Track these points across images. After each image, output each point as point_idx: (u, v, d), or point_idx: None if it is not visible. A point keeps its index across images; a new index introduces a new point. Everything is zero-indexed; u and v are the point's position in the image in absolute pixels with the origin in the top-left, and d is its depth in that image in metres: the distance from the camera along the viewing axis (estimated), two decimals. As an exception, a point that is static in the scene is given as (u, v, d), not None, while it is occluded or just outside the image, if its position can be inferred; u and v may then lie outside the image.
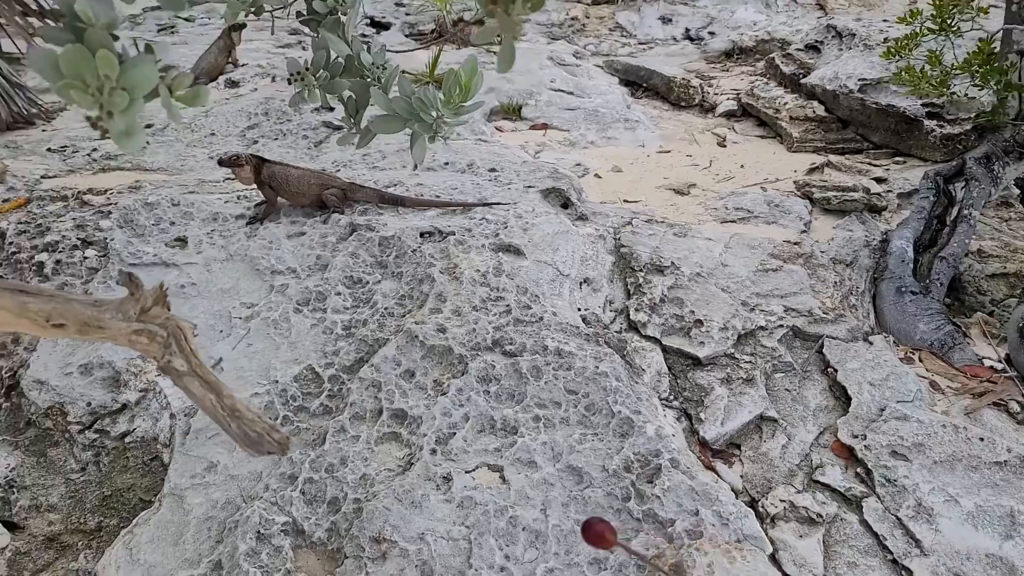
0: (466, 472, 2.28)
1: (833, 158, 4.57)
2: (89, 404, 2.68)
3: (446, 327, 2.77)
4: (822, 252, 3.55)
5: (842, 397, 2.94)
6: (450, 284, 2.99)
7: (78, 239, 3.23)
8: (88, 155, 4.19)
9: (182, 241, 3.31)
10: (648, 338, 3.08)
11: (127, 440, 2.62)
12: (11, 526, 2.36)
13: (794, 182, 4.19)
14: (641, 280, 3.31)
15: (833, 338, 3.14)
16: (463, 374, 2.61)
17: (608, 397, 2.46)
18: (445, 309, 2.88)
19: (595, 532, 0.93)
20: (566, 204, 3.74)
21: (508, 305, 2.89)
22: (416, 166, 4.46)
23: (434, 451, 2.35)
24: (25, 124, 4.61)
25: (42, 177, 3.81)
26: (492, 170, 4.03)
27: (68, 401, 2.68)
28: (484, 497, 2.18)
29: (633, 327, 3.14)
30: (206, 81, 5.29)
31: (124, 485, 2.51)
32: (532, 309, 2.87)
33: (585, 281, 3.21)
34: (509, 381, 2.58)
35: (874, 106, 4.71)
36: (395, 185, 3.76)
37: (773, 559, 2.49)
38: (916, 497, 2.52)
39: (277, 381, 2.67)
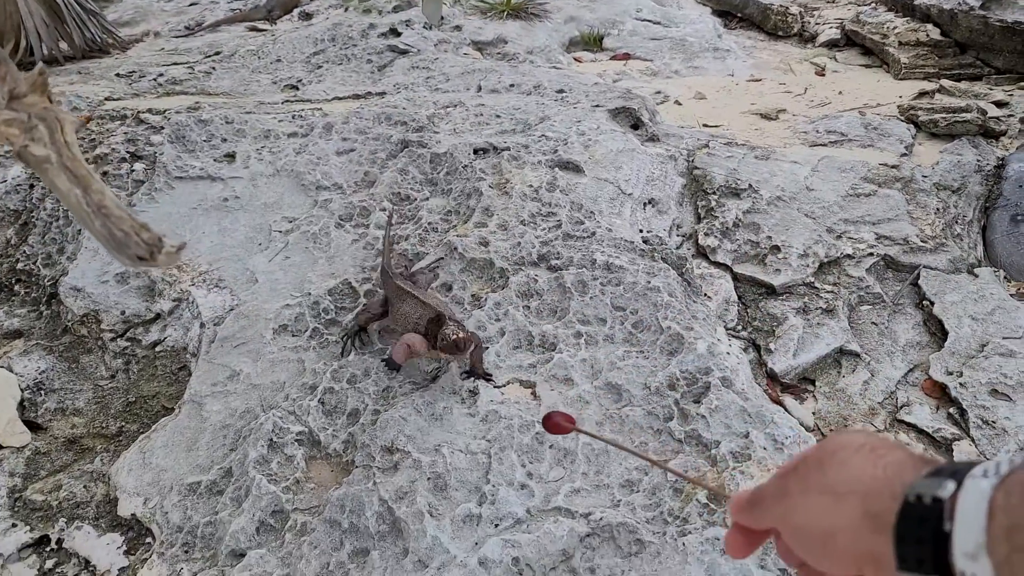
0: (495, 387, 2.07)
1: (946, 83, 4.08)
2: (123, 312, 2.60)
3: (489, 240, 2.56)
4: (924, 177, 3.15)
5: (938, 333, 2.59)
6: (498, 199, 2.77)
7: (128, 152, 3.17)
8: (154, 79, 4.15)
9: (230, 157, 3.21)
10: (718, 264, 2.79)
11: (157, 349, 2.53)
12: (35, 427, 2.31)
13: (898, 106, 3.75)
14: (713, 203, 3.01)
15: (931, 268, 2.77)
16: (503, 288, 2.40)
17: (658, 313, 2.20)
18: (491, 223, 2.66)
19: (553, 422, 0.94)
20: (636, 125, 3.45)
21: (559, 220, 2.65)
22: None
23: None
24: (99, 53, 4.63)
25: (106, 99, 3.79)
26: (560, 91, 3.76)
27: (103, 309, 2.61)
28: (510, 411, 1.97)
29: (702, 252, 2.85)
30: (280, 13, 5.20)
31: (149, 392, 2.42)
32: (585, 224, 2.62)
33: (650, 202, 2.93)
34: (552, 296, 2.35)
35: (999, 24, 4.17)
36: (455, 106, 3.55)
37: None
38: (1018, 440, 2.17)
39: (310, 294, 2.52)
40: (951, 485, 0.53)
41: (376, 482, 1.83)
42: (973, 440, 2.23)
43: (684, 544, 1.60)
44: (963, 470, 0.54)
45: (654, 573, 1.58)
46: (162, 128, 3.32)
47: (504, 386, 2.09)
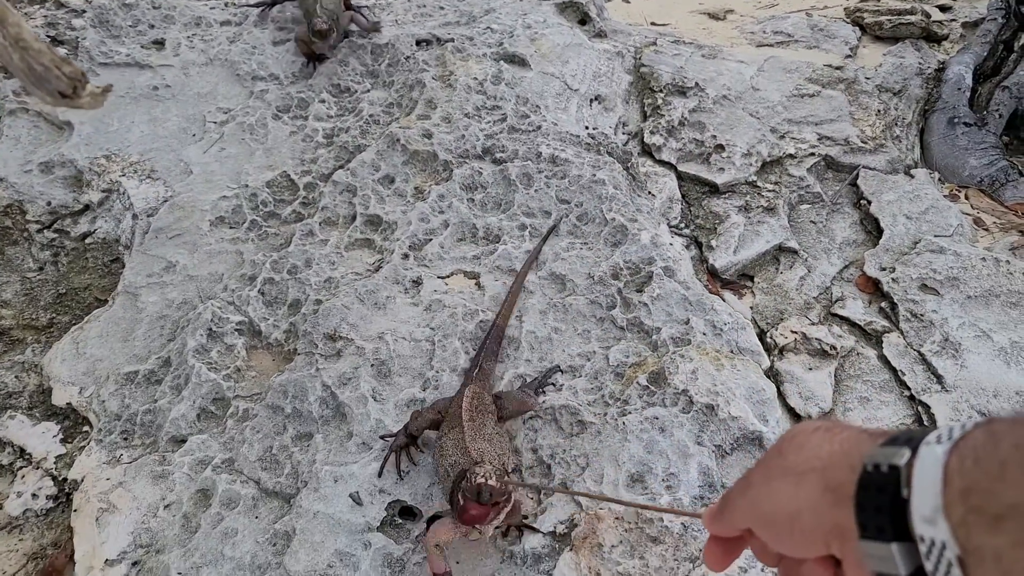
0: (439, 277, 2.06)
1: (893, -12, 4.08)
2: (49, 203, 2.50)
3: (432, 132, 2.50)
4: (867, 79, 3.17)
5: (873, 231, 2.65)
6: (442, 91, 2.70)
7: (48, 36, 2.98)
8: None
9: (159, 44, 3.05)
10: (662, 163, 2.79)
11: (87, 241, 2.45)
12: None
13: (844, 8, 3.74)
14: (660, 101, 2.98)
15: (870, 168, 2.82)
16: (447, 181, 2.36)
17: (603, 205, 2.20)
18: (434, 115, 2.60)
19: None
20: (584, 20, 3.37)
21: (504, 114, 2.60)
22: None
23: (406, 256, 2.13)
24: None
25: (23, -18, 3.54)
26: (504, -17, 3.65)
27: (27, 199, 2.50)
28: (454, 301, 1.96)
29: (647, 151, 2.84)
30: None
31: (81, 285, 2.34)
32: (530, 118, 2.58)
33: (596, 99, 2.89)
34: (496, 189, 2.32)
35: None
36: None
37: (779, 394, 2.27)
38: (943, 332, 2.26)
39: (247, 186, 2.45)
40: (906, 452, 0.54)
41: (319, 368, 1.82)
42: (902, 332, 2.32)
43: (624, 423, 1.64)
44: (918, 437, 0.54)
45: (595, 451, 1.62)
46: (84, 12, 3.13)
47: (448, 277, 2.08)
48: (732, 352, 1.81)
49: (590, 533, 1.49)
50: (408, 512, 1.62)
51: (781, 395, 2.26)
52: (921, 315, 2.31)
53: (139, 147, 2.63)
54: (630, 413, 1.65)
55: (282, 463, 1.70)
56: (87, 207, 2.50)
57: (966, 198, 2.88)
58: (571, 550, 1.48)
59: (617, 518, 1.50)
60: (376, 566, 1.50)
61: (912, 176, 2.81)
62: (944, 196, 2.78)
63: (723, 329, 1.85)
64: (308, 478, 1.64)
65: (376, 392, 1.77)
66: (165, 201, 2.44)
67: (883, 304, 2.40)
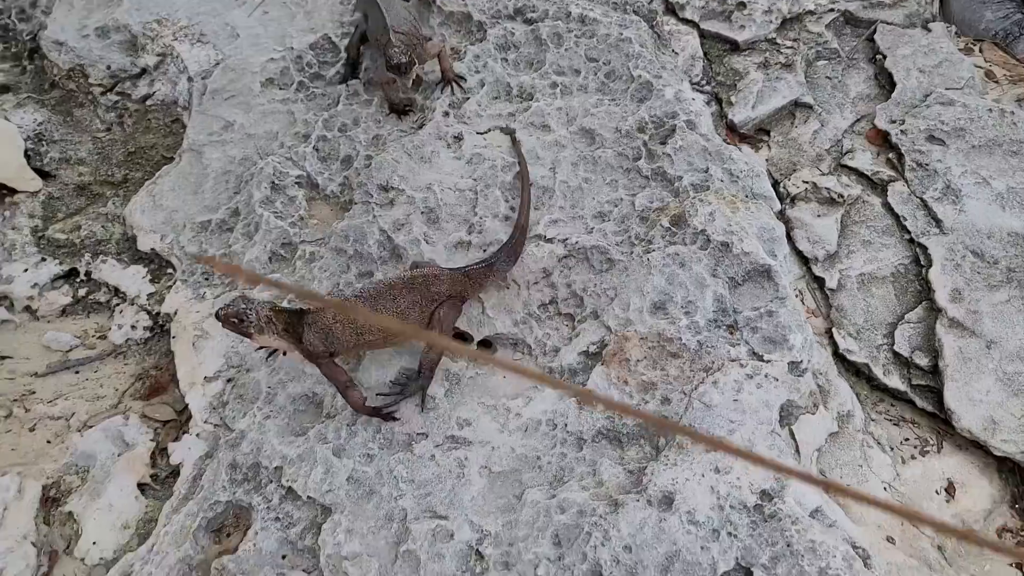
0: (478, 133, 2.25)
1: None
2: (109, 67, 2.66)
3: (467, -7, 2.62)
4: (891, -68, 3.19)
5: (887, 86, 2.78)
6: (474, -49, 2.78)
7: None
8: None
9: (195, -95, 3.11)
10: (685, 21, 2.89)
11: (148, 103, 2.63)
12: (44, 175, 2.44)
13: None
14: (684, -41, 3.04)
15: (888, 23, 2.91)
16: (481, 41, 2.50)
17: (629, 63, 2.35)
18: (467, -24, 2.70)
19: None
20: None
21: (534, -26, 2.70)
22: None
23: (447, 114, 2.31)
24: None
25: None
26: None
27: (88, 63, 2.66)
28: (493, 155, 2.16)
29: (671, 9, 2.93)
30: None
31: (147, 143, 2.55)
32: (560, -22, 2.68)
33: (622, -43, 2.96)
34: (528, 48, 2.46)
35: None
36: None
37: (788, 238, 2.47)
38: (946, 180, 2.43)
39: (292, 48, 2.60)
40: None
41: (375, 215, 2.05)
42: (906, 181, 2.50)
43: (648, 260, 1.86)
44: None
45: (622, 284, 1.85)
46: None
47: (486, 132, 2.26)
48: (747, 197, 2.01)
49: (618, 351, 1.75)
50: (462, 336, 1.88)
51: (791, 239, 2.49)
52: (926, 164, 2.48)
53: (186, 11, 2.76)
54: (654, 251, 1.88)
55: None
56: (144, 71, 2.67)
57: (980, 51, 2.97)
58: (602, 364, 1.74)
59: (642, 338, 1.75)
60: (437, 378, 1.77)
61: (929, 30, 2.90)
62: (958, 50, 2.88)
63: (739, 176, 2.05)
64: (373, 308, 1.89)
65: (427, 236, 2.00)
66: (217, 64, 2.60)
67: (891, 155, 2.57)
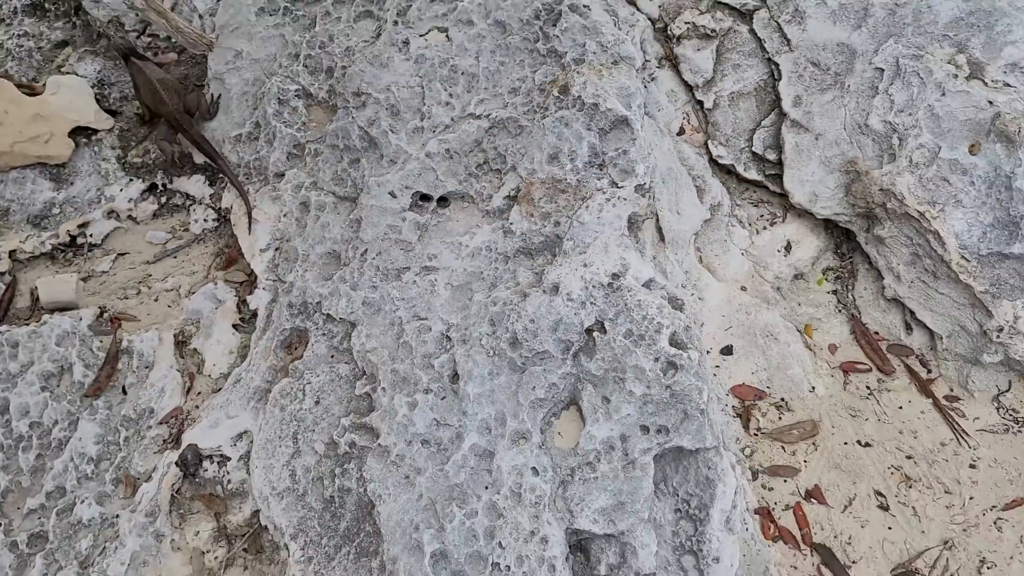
0: (420, 36, 2.96)
1: None
2: (137, 14, 3.40)
3: (399, -92, 3.22)
4: None
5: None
6: None
7: None
8: None
9: None
10: None
11: (174, 41, 3.38)
12: (112, 113, 3.27)
13: None
14: None
15: None
16: (416, -49, 3.14)
17: (529, -43, 2.98)
18: None
19: None
20: None
21: None
22: None
23: (396, 22, 3.01)
24: None
25: None
26: None
27: (121, 14, 3.40)
28: (432, 53, 2.89)
29: None
30: None
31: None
32: None
33: None
34: (453, -48, 3.10)
35: None
36: None
37: (676, 72, 3.19)
38: (795, 4, 3.06)
39: (273, -24, 3.28)
40: None
41: (353, 117, 2.84)
42: (768, 8, 3.13)
43: (544, 124, 2.64)
44: None
45: (528, 143, 2.64)
46: None
47: (426, 33, 2.97)
48: (613, 63, 2.73)
49: (527, 192, 2.57)
50: (425, 197, 2.73)
51: (677, 71, 3.19)
52: (783, -6, 3.10)
53: (184, -44, 3.43)
54: (548, 116, 2.65)
55: (345, 179, 2.80)
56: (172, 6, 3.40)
57: None
58: (518, 203, 2.58)
59: (542, 182, 2.57)
60: (411, 229, 2.64)
61: None
62: None
63: (608, 47, 2.75)
64: (362, 185, 2.74)
65: (392, 127, 2.79)
66: (218, 1, 3.31)
67: (758, -11, 3.19)
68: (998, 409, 2.65)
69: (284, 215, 2.84)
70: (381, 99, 2.84)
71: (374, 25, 3.07)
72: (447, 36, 2.94)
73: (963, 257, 2.64)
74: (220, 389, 2.64)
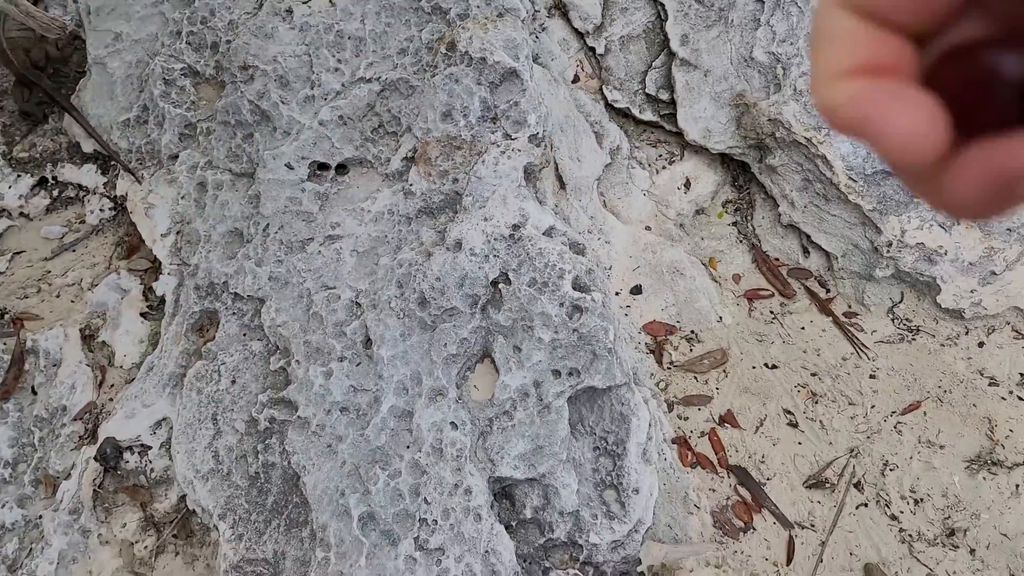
0: (303, 3, 2.91)
1: None
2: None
3: None
4: None
5: None
6: None
7: None
8: None
9: None
10: None
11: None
12: (-8, 110, 3.16)
13: None
14: None
15: None
16: (291, -85, 3.07)
17: (406, -87, 2.94)
18: None
19: None
20: None
21: None
22: None
23: (277, -10, 2.96)
24: None
25: None
26: None
27: (-11, 5, 3.25)
28: (317, 20, 2.84)
29: None
30: None
31: (62, 62, 3.22)
32: None
33: None
34: (329, -86, 3.04)
35: None
36: None
37: (566, 21, 3.20)
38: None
39: (146, -48, 3.17)
40: None
41: (242, 91, 2.79)
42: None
43: (435, 82, 2.63)
44: None
45: (421, 103, 2.64)
46: None
47: (310, 1, 2.92)
48: (498, 16, 2.73)
49: (424, 152, 2.58)
50: (323, 166, 2.71)
51: (567, 19, 3.20)
52: (661, -66, 3.12)
53: (50, -62, 3.30)
54: (438, 74, 2.64)
55: (240, 155, 2.76)
56: (36, 1, 3.27)
57: None
58: (415, 164, 2.58)
59: (438, 140, 2.57)
60: (312, 200, 2.62)
61: None
62: None
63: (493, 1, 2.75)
64: (258, 160, 2.70)
65: (283, 98, 2.76)
66: (91, -18, 3.20)
67: (637, -70, 3.20)
68: (893, 320, 2.78)
69: (182, 197, 2.79)
70: (269, 71, 2.79)
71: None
72: (331, 1, 2.90)
73: (850, 178, 2.74)
74: (133, 379, 2.60)
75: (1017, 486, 2.43)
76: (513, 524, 2.31)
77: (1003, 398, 2.58)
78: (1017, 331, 2.68)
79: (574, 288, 2.33)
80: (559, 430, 2.27)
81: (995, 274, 2.68)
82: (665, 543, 2.30)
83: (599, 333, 2.29)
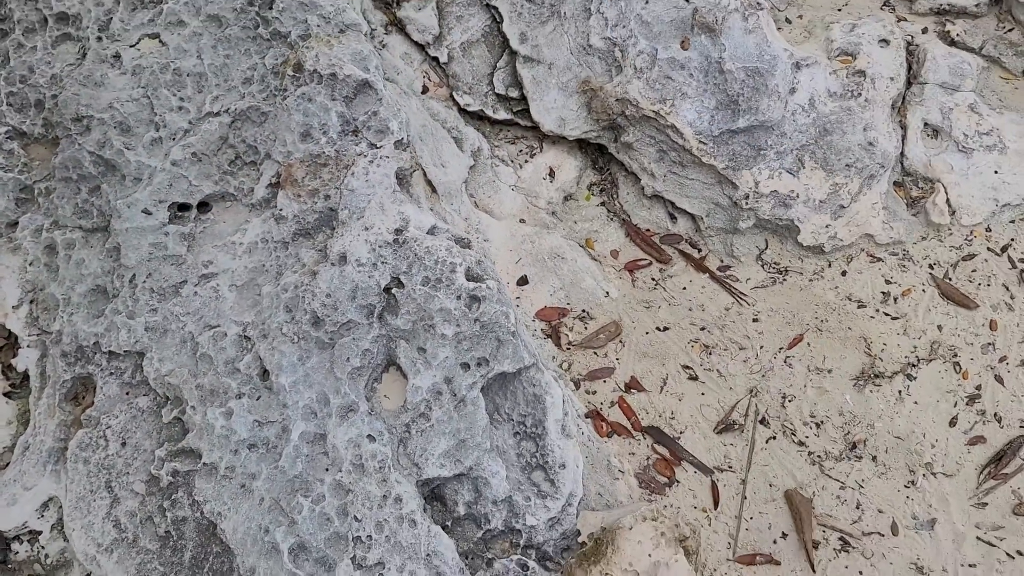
0: (130, 46, 2.80)
1: None
2: None
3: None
4: None
5: None
6: None
7: None
8: None
9: None
10: None
11: None
12: None
13: None
14: None
15: None
16: (102, -38, 2.95)
17: (226, -54, 2.89)
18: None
19: None
20: None
21: None
22: None
23: (100, 38, 2.82)
24: None
25: None
26: None
27: None
28: (150, 61, 2.74)
29: None
30: None
31: None
32: None
33: None
34: (143, -44, 2.94)
35: None
36: None
37: (405, 36, 3.22)
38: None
39: (-55, 19, 2.95)
40: None
41: (80, 143, 2.63)
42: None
43: (287, 104, 2.58)
44: None
45: (277, 128, 2.58)
46: None
47: (137, 43, 2.81)
48: (340, 32, 2.72)
49: (288, 175, 2.52)
50: (184, 207, 2.59)
51: (405, 34, 3.23)
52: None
53: None
54: (289, 96, 2.60)
55: (89, 210, 2.60)
56: None
57: None
58: (282, 188, 2.52)
59: (301, 161, 2.52)
60: (177, 242, 2.50)
61: None
62: None
63: (330, 17, 2.74)
64: (110, 212, 2.55)
65: (127, 144, 2.62)
66: None
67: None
68: (763, 266, 2.95)
69: (30, 264, 2.60)
70: (106, 118, 2.66)
71: (76, 47, 2.86)
72: (160, 41, 2.80)
73: (700, 142, 2.90)
74: (8, 464, 2.37)
75: (899, 392, 2.63)
76: (449, 524, 2.27)
77: (872, 317, 2.78)
78: (871, 255, 2.91)
79: (468, 279, 2.33)
80: (478, 420, 2.25)
81: (843, 207, 2.90)
82: (599, 510, 2.32)
83: (500, 319, 2.30)
